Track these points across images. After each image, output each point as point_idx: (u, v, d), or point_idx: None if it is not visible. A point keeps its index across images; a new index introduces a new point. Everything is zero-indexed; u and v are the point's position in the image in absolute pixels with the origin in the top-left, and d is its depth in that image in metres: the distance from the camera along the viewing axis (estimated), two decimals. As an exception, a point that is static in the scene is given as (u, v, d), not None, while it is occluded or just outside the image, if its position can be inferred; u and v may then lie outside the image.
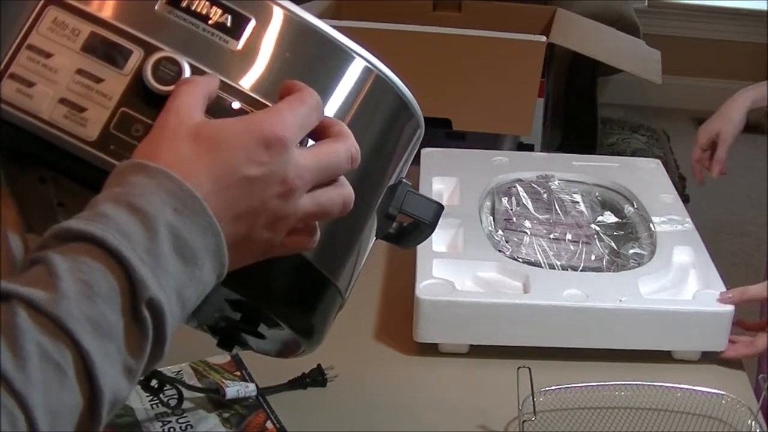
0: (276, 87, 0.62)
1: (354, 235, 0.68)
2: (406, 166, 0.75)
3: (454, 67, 1.67)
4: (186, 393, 0.94)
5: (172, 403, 0.92)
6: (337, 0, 2.00)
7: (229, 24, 0.62)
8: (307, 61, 0.64)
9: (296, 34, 0.64)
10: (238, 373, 0.99)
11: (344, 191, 0.61)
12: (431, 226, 0.74)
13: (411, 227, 0.76)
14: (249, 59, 0.62)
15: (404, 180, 0.74)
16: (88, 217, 0.52)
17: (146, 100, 0.59)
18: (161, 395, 0.90)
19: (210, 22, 0.62)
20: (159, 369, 0.98)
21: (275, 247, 0.60)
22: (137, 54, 0.60)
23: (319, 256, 0.64)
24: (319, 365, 0.99)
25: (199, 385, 0.96)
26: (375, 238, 0.75)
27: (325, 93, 0.64)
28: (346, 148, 0.60)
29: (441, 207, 0.74)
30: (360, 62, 0.66)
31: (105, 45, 0.60)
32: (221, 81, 0.61)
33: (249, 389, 0.94)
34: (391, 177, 0.72)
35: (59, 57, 0.59)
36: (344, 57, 0.65)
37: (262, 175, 0.56)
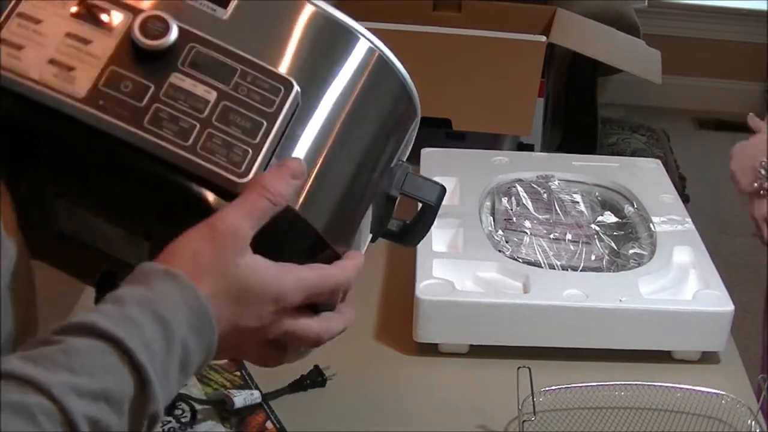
0: (264, 52, 0.63)
1: (356, 214, 0.69)
2: (406, 150, 0.75)
3: (454, 67, 1.67)
4: (183, 390, 0.94)
5: (185, 419, 0.91)
6: (337, 0, 2.01)
7: None
8: (294, 28, 0.66)
9: (282, 2, 0.66)
10: (238, 373, 0.99)
11: (289, 355, 0.66)
12: (434, 208, 0.74)
13: (413, 223, 0.76)
14: (237, 27, 0.63)
15: (404, 162, 0.74)
16: (115, 317, 0.53)
17: (135, 58, 0.60)
18: (174, 411, 0.90)
19: None
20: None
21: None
22: (126, 17, 0.61)
23: (326, 230, 0.64)
24: (316, 366, 0.99)
25: (203, 395, 0.96)
26: (378, 235, 0.75)
27: (309, 59, 0.65)
28: (319, 334, 0.65)
29: (443, 189, 0.74)
30: (346, 29, 0.68)
31: (94, 10, 0.61)
32: (213, 43, 0.62)
33: (254, 396, 0.94)
34: (390, 157, 0.72)
35: (48, 22, 0.60)
36: (331, 25, 0.67)
37: (255, 327, 0.61)
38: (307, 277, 0.62)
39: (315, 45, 0.66)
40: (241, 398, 0.93)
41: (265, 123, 0.61)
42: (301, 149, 0.64)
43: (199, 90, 0.61)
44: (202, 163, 0.60)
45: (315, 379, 0.99)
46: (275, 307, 0.61)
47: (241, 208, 0.60)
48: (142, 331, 0.53)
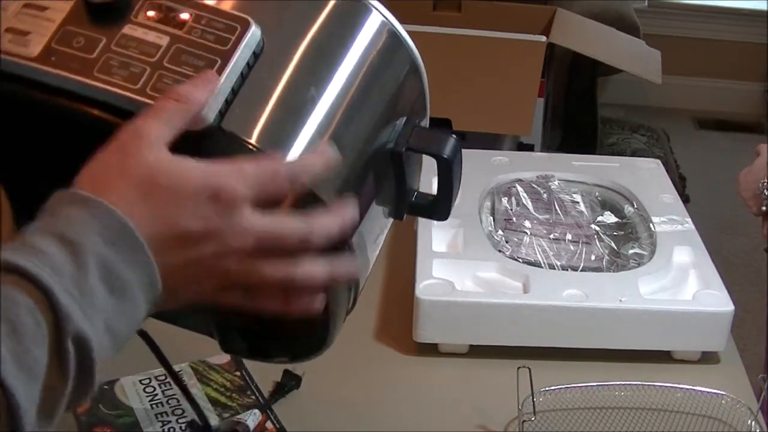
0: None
1: (364, 186, 0.66)
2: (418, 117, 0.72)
3: (454, 67, 1.67)
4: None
5: None
6: (337, 0, 2.00)
7: None
8: None
9: None
10: (238, 374, 0.99)
11: (290, 269, 0.59)
12: (449, 161, 0.68)
13: (439, 194, 0.72)
14: None
15: (410, 117, 0.70)
16: (18, 248, 0.51)
17: (88, 16, 0.61)
18: None
19: None
20: (162, 372, 0.98)
21: (209, 298, 0.59)
22: None
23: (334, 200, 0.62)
24: (285, 370, 0.98)
25: (203, 395, 0.96)
26: (405, 207, 0.71)
27: (305, 24, 0.64)
28: (302, 229, 0.58)
29: (457, 140, 0.69)
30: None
31: None
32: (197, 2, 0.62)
33: (257, 416, 0.93)
34: (393, 114, 0.69)
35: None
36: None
37: (205, 232, 0.56)
38: (249, 166, 0.57)
39: (321, 15, 0.65)
40: (251, 422, 0.92)
41: (219, 60, 0.60)
42: (313, 118, 0.63)
43: (151, 37, 0.61)
44: (151, 102, 0.59)
45: (288, 382, 0.98)
46: (216, 203, 0.55)
47: (145, 112, 0.57)
48: (47, 255, 0.50)
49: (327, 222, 0.60)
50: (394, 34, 0.68)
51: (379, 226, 0.70)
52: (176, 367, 0.98)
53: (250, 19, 0.61)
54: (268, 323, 0.68)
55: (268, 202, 0.58)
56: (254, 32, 0.61)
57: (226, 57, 0.60)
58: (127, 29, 0.61)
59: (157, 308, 0.57)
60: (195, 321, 0.75)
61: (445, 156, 0.68)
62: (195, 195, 0.55)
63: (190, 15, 0.61)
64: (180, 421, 0.92)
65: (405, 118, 0.69)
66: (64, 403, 0.51)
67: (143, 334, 0.78)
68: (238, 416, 0.93)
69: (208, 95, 0.58)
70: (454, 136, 0.68)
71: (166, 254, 0.55)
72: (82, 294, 0.51)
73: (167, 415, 0.92)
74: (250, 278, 0.59)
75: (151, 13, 0.61)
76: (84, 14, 0.61)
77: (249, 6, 0.63)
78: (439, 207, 0.72)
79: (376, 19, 0.68)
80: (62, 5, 0.61)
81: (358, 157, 0.65)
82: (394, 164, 0.68)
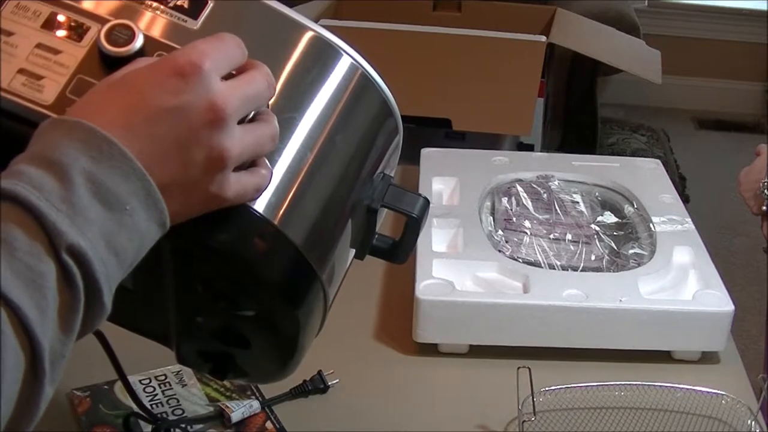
0: None
1: (335, 230, 0.68)
2: (390, 165, 0.75)
3: (454, 67, 1.67)
4: (183, 391, 0.95)
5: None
6: (337, 0, 2.01)
7: (187, 6, 0.64)
8: (261, 37, 0.66)
9: (253, 13, 0.66)
10: (238, 373, 0.99)
11: (271, 125, 0.61)
12: (417, 220, 0.72)
13: (401, 239, 0.75)
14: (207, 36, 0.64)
15: (386, 174, 0.73)
16: (1, 176, 0.51)
17: (102, 66, 0.61)
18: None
19: (169, 5, 0.64)
20: (162, 372, 0.98)
21: (222, 192, 0.58)
22: (95, 29, 0.62)
23: (305, 246, 0.64)
24: (320, 371, 0.98)
25: (203, 396, 0.96)
26: (365, 251, 0.74)
27: (278, 67, 0.65)
28: (262, 75, 0.60)
29: (427, 200, 0.73)
30: (309, 35, 0.67)
31: (64, 22, 0.62)
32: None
33: (253, 408, 0.93)
34: (371, 172, 0.71)
35: (20, 34, 0.61)
36: (299, 33, 0.67)
37: (181, 104, 0.55)
38: (199, 42, 0.58)
39: (293, 59, 0.66)
40: (239, 412, 0.92)
41: None
42: (280, 163, 0.64)
43: None
44: None
45: (317, 385, 0.98)
46: (182, 77, 0.55)
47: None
48: (30, 177, 0.50)
49: (266, 66, 0.61)
50: (365, 78, 0.69)
51: (343, 267, 0.72)
52: (176, 368, 0.99)
53: None
54: (232, 343, 0.69)
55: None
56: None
57: None
58: None
59: (173, 218, 0.56)
60: (151, 329, 0.76)
61: (415, 215, 0.72)
62: (155, 77, 0.56)
63: None
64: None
65: (382, 174, 0.72)
66: (79, 318, 0.51)
67: (101, 339, 0.78)
68: (226, 403, 0.93)
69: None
70: (424, 196, 0.73)
71: (157, 139, 0.55)
72: (73, 210, 0.50)
73: (167, 415, 0.92)
74: (255, 144, 0.59)
75: None
76: (97, 63, 0.61)
77: None
78: (398, 253, 0.76)
79: (346, 61, 0.68)
80: (76, 50, 0.61)
81: (329, 205, 0.67)
82: (369, 217, 0.72)
